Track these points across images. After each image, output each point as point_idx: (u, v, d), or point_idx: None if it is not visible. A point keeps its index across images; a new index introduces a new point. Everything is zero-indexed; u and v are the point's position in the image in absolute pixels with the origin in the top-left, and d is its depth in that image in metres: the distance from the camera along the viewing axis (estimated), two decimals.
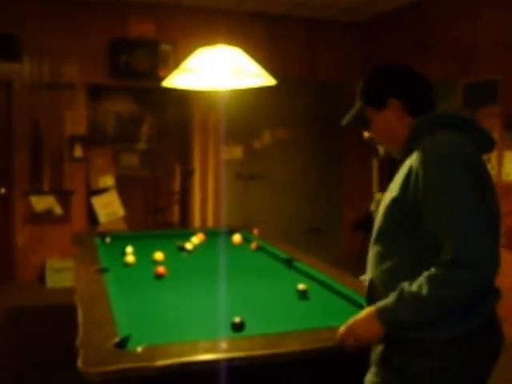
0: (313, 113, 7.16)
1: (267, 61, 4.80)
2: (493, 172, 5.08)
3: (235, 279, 3.23)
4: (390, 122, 1.91)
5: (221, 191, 6.78)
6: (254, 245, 4.13)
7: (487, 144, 1.84)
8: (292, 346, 2.12)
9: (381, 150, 2.04)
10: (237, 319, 2.34)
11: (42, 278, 6.35)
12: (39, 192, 6.35)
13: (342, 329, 1.87)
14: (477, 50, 5.34)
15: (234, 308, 2.62)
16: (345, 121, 2.08)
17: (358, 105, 2.01)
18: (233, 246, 4.23)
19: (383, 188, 1.81)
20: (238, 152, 6.97)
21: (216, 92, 5.56)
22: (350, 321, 1.85)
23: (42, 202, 6.37)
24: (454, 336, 1.69)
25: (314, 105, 7.15)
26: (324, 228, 7.23)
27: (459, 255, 1.58)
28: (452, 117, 1.83)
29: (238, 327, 2.32)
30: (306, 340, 2.18)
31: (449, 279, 1.60)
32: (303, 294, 2.88)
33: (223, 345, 2.09)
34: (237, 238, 4.33)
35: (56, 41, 6.24)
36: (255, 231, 4.58)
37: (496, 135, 5.06)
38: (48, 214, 6.41)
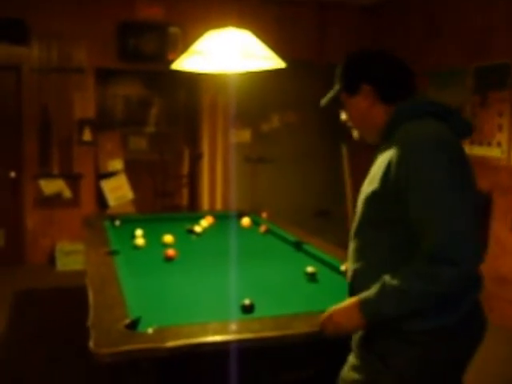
0: (322, 96, 7.10)
1: (277, 44, 4.77)
2: (503, 156, 5.06)
3: (244, 262, 3.24)
4: (360, 108, 1.91)
5: (229, 175, 6.79)
6: (262, 228, 4.14)
7: (465, 129, 1.84)
8: (301, 328, 2.13)
9: (355, 133, 2.05)
10: (246, 301, 2.36)
11: (52, 260, 6.40)
12: (48, 176, 6.38)
13: (324, 315, 1.89)
14: (489, 34, 5.29)
15: (244, 290, 2.63)
16: (323, 102, 2.12)
17: (335, 87, 2.03)
18: (242, 229, 4.24)
19: (357, 177, 1.79)
20: (246, 135, 6.96)
21: (225, 75, 5.55)
22: (332, 309, 1.87)
23: (52, 186, 6.40)
24: (435, 326, 1.69)
25: (323, 88, 7.06)
26: (332, 210, 7.22)
27: (444, 250, 1.57)
28: (431, 104, 1.82)
29: (247, 309, 2.34)
30: (314, 322, 2.19)
31: (433, 274, 1.59)
32: (312, 277, 2.89)
33: (233, 326, 2.11)
34: (246, 221, 4.34)
35: (64, 24, 6.23)
36: (264, 214, 4.59)
37: (506, 120, 5.04)
38: (57, 198, 6.44)
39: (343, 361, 2.16)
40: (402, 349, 1.73)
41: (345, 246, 3.79)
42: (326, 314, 1.89)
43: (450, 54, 5.77)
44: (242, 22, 5.03)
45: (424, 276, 1.60)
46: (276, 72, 4.07)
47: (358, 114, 1.93)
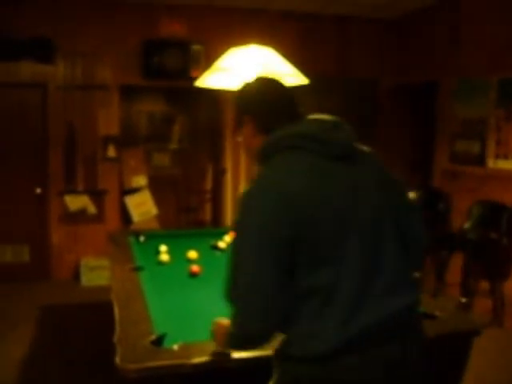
0: (345, 111, 7.11)
1: (299, 59, 4.79)
2: None
3: None
4: (246, 137, 1.92)
5: None
6: None
7: (339, 149, 1.74)
8: None
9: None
10: None
11: (76, 276, 6.45)
12: (73, 192, 6.45)
13: (213, 324, 2.01)
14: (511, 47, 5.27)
15: None
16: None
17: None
18: None
19: None
20: None
21: None
22: (218, 323, 1.99)
23: (77, 202, 6.47)
24: (304, 357, 1.63)
25: (346, 103, 7.12)
26: None
27: (235, 321, 1.73)
28: (288, 137, 1.75)
29: None
30: None
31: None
32: None
33: None
34: None
35: (89, 42, 6.32)
36: None
37: None
38: (82, 214, 6.50)
39: None
40: (282, 372, 1.72)
41: None
42: (214, 323, 2.00)
43: (474, 67, 5.74)
44: (264, 38, 5.08)
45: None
46: (299, 88, 4.07)
47: (246, 141, 1.93)
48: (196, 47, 6.54)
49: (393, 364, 1.62)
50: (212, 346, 2.04)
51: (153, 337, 2.14)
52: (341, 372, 1.60)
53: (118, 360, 1.95)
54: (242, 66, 3.33)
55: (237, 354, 2.00)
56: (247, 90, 1.94)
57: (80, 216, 6.49)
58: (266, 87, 1.91)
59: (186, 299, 2.84)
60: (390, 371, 1.62)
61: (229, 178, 6.87)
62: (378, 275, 1.64)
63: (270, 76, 1.97)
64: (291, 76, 3.45)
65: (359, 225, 1.65)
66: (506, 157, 5.34)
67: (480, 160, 5.67)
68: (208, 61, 5.96)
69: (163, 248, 3.78)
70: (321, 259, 1.61)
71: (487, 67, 5.59)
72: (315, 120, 1.85)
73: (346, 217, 1.64)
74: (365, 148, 1.88)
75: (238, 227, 1.70)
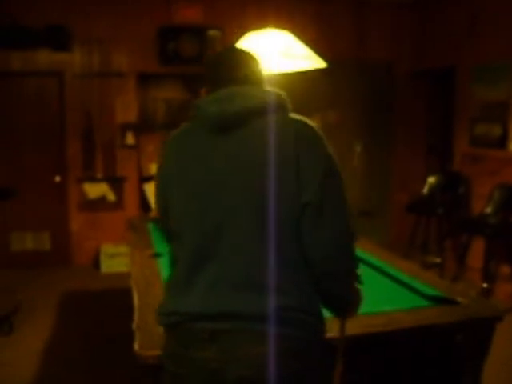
0: (362, 95, 7.07)
1: (316, 43, 4.74)
2: None
3: None
4: None
5: None
6: None
7: (212, 121, 1.68)
8: (349, 331, 2.10)
9: None
10: None
11: (96, 263, 6.49)
12: (92, 179, 6.47)
13: None
14: None
15: None
16: None
17: None
18: None
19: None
20: None
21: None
22: None
23: (96, 189, 6.49)
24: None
25: (364, 86, 7.05)
26: (374, 210, 7.15)
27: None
28: (191, 107, 1.77)
29: None
30: (360, 324, 2.16)
31: None
32: None
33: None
34: None
35: (105, 30, 6.32)
36: None
37: None
38: (101, 201, 6.53)
39: (396, 362, 2.13)
40: None
41: (387, 246, 3.74)
42: None
43: (492, 49, 5.65)
44: (280, 21, 5.03)
45: None
46: (316, 71, 4.03)
47: None
48: (212, 32, 6.50)
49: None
50: None
51: None
52: (170, 346, 1.68)
53: (136, 346, 1.95)
54: (260, 50, 3.30)
55: None
56: (206, 61, 1.94)
57: (99, 203, 6.52)
58: (216, 56, 1.87)
59: None
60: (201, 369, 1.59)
61: None
62: (211, 263, 1.59)
63: (230, 48, 1.90)
64: (310, 59, 3.41)
65: (205, 205, 1.62)
66: None
67: (501, 143, 5.59)
68: (224, 46, 5.92)
69: None
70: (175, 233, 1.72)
71: (506, 50, 5.49)
72: (219, 91, 1.73)
73: (195, 194, 1.64)
74: (277, 124, 1.67)
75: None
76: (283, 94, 1.75)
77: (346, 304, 1.78)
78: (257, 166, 1.60)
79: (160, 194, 1.78)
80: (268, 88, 1.77)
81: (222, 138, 1.65)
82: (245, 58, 1.82)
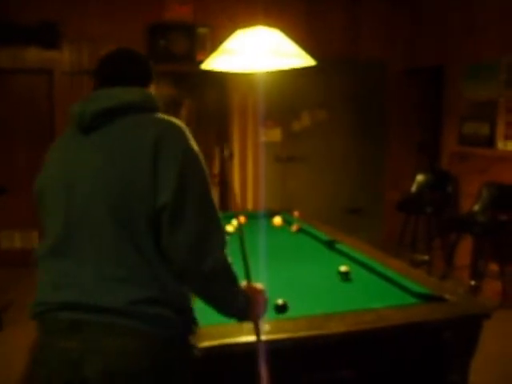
0: (353, 93, 7.08)
1: (306, 40, 4.75)
2: None
3: (277, 261, 3.23)
4: None
5: (260, 174, 6.78)
6: (294, 227, 4.12)
7: (77, 120, 1.75)
8: (336, 328, 2.12)
9: None
10: (280, 301, 2.34)
11: None
12: None
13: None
14: None
15: (277, 290, 2.61)
16: None
17: None
18: (273, 229, 4.23)
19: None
20: (277, 134, 6.93)
21: (254, 74, 5.54)
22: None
23: None
24: None
25: (355, 85, 7.06)
26: (364, 209, 7.17)
27: None
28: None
29: (281, 309, 2.33)
30: (349, 322, 2.17)
31: None
32: (345, 276, 2.87)
33: (266, 326, 2.09)
34: (277, 220, 4.33)
35: (95, 27, 6.29)
36: (296, 213, 4.57)
37: None
38: None
39: (384, 359, 2.15)
40: None
41: (378, 244, 3.76)
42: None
43: (485, 48, 5.68)
44: (270, 19, 5.03)
45: None
46: (306, 69, 4.04)
47: None
48: (202, 30, 6.49)
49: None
50: (219, 331, 2.04)
51: None
52: (39, 336, 1.73)
53: None
54: (249, 47, 3.30)
55: (245, 338, 1.99)
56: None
57: None
58: (99, 60, 1.93)
59: None
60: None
61: (236, 162, 6.85)
62: (72, 256, 1.66)
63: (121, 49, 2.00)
64: (299, 57, 3.42)
65: (62, 204, 1.71)
66: None
67: (489, 142, 5.63)
68: (214, 44, 5.91)
69: None
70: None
71: (496, 49, 5.53)
72: (94, 92, 1.84)
73: (57, 193, 1.74)
74: (132, 124, 1.72)
75: None
76: (151, 94, 1.84)
77: (225, 305, 1.80)
78: (111, 166, 1.65)
79: (35, 192, 1.87)
80: (138, 88, 1.84)
81: (84, 138, 1.73)
82: (125, 58, 1.93)
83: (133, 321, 1.60)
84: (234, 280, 1.77)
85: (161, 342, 1.64)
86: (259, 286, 1.92)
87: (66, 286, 1.64)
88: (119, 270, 1.62)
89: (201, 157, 1.71)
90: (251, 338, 1.96)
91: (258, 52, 3.24)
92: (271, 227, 4.26)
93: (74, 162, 1.72)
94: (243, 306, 1.81)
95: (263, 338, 1.87)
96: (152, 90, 1.95)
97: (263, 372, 1.81)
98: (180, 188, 1.61)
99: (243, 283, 1.85)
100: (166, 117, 1.76)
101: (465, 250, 5.69)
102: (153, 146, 1.63)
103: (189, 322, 1.74)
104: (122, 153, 1.65)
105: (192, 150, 1.70)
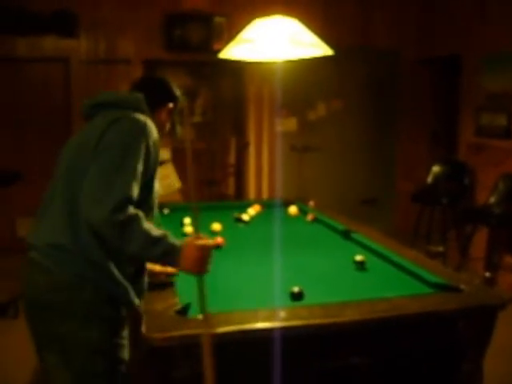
0: (368, 82, 7.06)
1: (322, 30, 4.74)
2: None
3: (292, 250, 3.24)
4: None
5: (276, 163, 6.79)
6: (310, 216, 4.12)
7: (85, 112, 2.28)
8: (351, 316, 2.13)
9: None
10: (296, 288, 2.36)
11: None
12: None
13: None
14: None
15: (292, 278, 2.63)
16: None
17: None
18: (289, 218, 4.24)
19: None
20: (292, 124, 6.93)
21: (270, 64, 5.54)
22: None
23: None
24: None
25: (369, 74, 7.04)
26: (379, 199, 7.17)
27: None
28: None
29: (296, 296, 2.34)
30: (364, 310, 2.18)
31: None
32: (361, 265, 2.87)
33: (282, 313, 2.11)
34: (293, 209, 4.33)
35: (111, 16, 6.32)
36: (311, 203, 4.57)
37: None
38: None
39: (398, 348, 2.15)
40: None
41: (392, 235, 3.75)
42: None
43: (501, 37, 5.63)
44: (287, 9, 5.01)
45: None
46: (322, 59, 4.03)
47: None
48: (218, 19, 6.49)
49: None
50: (236, 317, 2.06)
51: (178, 306, 2.16)
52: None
53: (143, 329, 1.98)
54: (266, 37, 3.30)
55: (261, 324, 2.01)
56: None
57: None
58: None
59: (211, 270, 2.85)
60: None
61: (252, 151, 6.86)
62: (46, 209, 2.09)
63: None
64: (316, 47, 3.42)
65: (58, 171, 2.14)
66: None
67: (506, 133, 5.59)
68: (230, 33, 5.92)
69: (187, 220, 3.80)
70: None
71: None
72: None
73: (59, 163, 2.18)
74: (110, 116, 2.11)
75: None
76: (139, 97, 2.23)
77: (133, 255, 2.00)
78: (76, 145, 2.13)
79: None
80: (136, 93, 2.29)
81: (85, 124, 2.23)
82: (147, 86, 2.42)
83: (46, 260, 2.00)
84: (126, 236, 1.91)
85: (65, 283, 1.98)
86: (204, 241, 2.03)
87: (32, 232, 2.11)
88: (54, 217, 2.03)
89: (138, 149, 2.01)
90: (267, 325, 1.99)
91: (275, 41, 3.25)
92: (287, 216, 4.27)
93: (70, 142, 2.23)
94: (157, 256, 1.98)
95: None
96: (163, 115, 2.43)
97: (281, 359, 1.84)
98: (100, 156, 1.97)
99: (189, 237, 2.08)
100: (140, 116, 2.12)
101: (480, 241, 5.67)
102: (106, 125, 2.05)
103: (106, 277, 2.01)
104: (84, 136, 2.12)
105: (130, 135, 2.03)
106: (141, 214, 1.96)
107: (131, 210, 1.92)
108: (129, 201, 1.92)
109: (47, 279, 2.00)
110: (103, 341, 2.03)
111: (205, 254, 2.01)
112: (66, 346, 2.02)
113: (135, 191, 1.96)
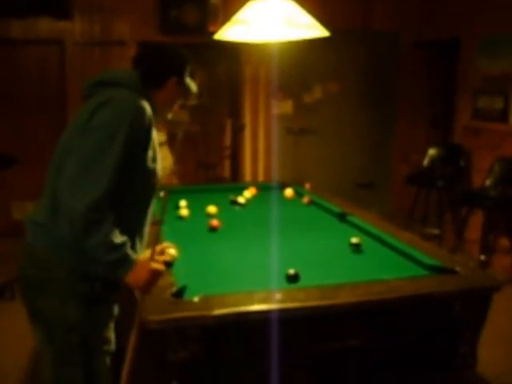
0: (365, 65, 7.03)
1: (319, 11, 4.69)
2: None
3: (288, 232, 3.24)
4: None
5: (271, 146, 6.77)
6: (306, 199, 4.12)
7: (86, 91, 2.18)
8: (346, 298, 2.13)
9: None
10: (291, 271, 2.36)
11: None
12: None
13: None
14: None
15: (288, 260, 2.63)
16: None
17: None
18: (285, 200, 4.24)
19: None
20: (288, 107, 6.90)
21: (266, 45, 5.50)
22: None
23: None
24: None
25: (367, 57, 7.00)
26: (375, 182, 7.16)
27: None
28: None
29: (292, 279, 2.34)
30: (360, 292, 2.19)
31: None
32: (357, 248, 2.88)
33: (278, 295, 2.12)
34: (289, 192, 4.33)
35: None
36: (307, 186, 4.57)
37: None
38: None
39: (394, 330, 2.16)
40: None
41: (388, 218, 3.75)
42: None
43: (501, 21, 5.60)
44: None
45: None
46: (318, 41, 4.00)
47: None
48: (214, 1, 6.43)
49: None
50: (231, 299, 2.06)
51: (173, 289, 2.16)
52: None
53: (140, 312, 1.98)
54: (262, 18, 3.27)
55: (257, 307, 2.01)
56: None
57: None
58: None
59: (206, 253, 2.86)
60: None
61: (247, 134, 6.84)
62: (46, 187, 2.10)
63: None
64: (313, 28, 3.39)
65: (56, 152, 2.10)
66: None
67: (503, 116, 5.58)
68: (226, 15, 5.86)
69: (183, 203, 3.79)
70: None
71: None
72: None
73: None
74: (104, 96, 2.05)
75: None
76: (133, 74, 2.21)
77: (87, 249, 1.93)
78: (72, 124, 2.10)
79: None
80: (131, 71, 2.24)
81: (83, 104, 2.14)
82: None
83: (30, 235, 2.08)
84: (91, 231, 1.89)
85: (44, 261, 2.03)
86: (158, 266, 2.03)
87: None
88: (43, 197, 2.08)
89: (122, 134, 1.93)
90: (263, 307, 2.00)
91: (271, 22, 3.22)
92: (282, 199, 4.27)
93: (71, 121, 2.17)
94: (109, 261, 1.93)
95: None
96: (167, 91, 2.32)
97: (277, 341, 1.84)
98: (84, 135, 1.95)
99: (146, 253, 2.12)
100: (129, 94, 2.06)
101: (476, 224, 5.68)
102: (94, 107, 2.00)
103: (82, 255, 1.97)
104: (82, 111, 2.07)
105: (114, 120, 1.95)
106: (112, 215, 1.92)
107: (105, 208, 1.90)
108: (104, 198, 1.89)
109: (30, 256, 2.09)
110: (80, 318, 2.03)
111: (154, 279, 2.02)
112: (47, 322, 2.08)
113: (112, 183, 1.91)
